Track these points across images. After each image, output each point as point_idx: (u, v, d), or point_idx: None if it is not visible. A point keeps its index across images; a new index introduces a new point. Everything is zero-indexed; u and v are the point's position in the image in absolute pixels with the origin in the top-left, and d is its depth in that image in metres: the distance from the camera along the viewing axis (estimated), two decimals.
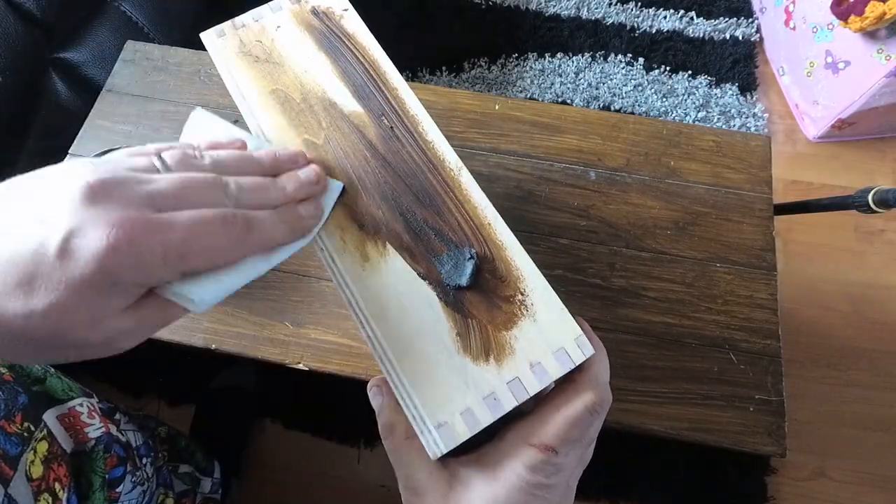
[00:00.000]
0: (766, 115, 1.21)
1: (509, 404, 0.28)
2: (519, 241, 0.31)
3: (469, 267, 0.30)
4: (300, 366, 0.53)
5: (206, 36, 0.38)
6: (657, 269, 0.58)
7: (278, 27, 0.37)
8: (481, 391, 0.28)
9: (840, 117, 1.09)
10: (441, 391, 0.28)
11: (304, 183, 0.29)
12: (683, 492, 0.90)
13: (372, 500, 0.90)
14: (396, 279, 0.30)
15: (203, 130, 0.32)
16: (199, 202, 0.25)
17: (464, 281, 0.30)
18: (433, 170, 0.33)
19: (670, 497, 0.90)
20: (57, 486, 0.42)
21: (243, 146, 0.30)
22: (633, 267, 0.58)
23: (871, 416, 0.96)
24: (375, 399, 0.31)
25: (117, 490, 0.49)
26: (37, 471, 0.40)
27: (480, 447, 0.29)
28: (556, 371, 0.28)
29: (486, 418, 0.27)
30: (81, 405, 0.48)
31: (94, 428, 0.48)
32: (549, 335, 0.29)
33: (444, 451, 0.27)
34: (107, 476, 0.48)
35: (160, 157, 0.26)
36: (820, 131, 1.16)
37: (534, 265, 0.30)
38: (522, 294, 0.30)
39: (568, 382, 0.29)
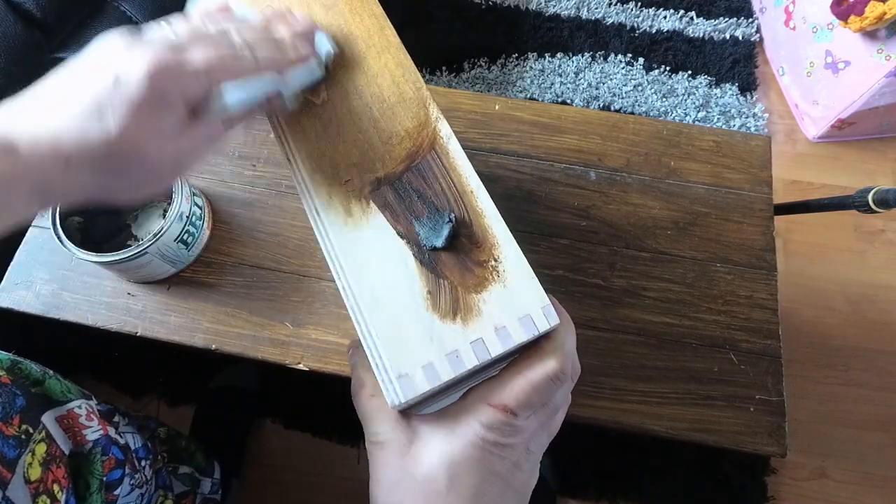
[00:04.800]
0: (766, 115, 1.21)
1: (470, 363, 0.28)
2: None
3: (446, 230, 0.31)
4: (300, 366, 0.53)
5: None
6: (657, 270, 0.58)
7: None
8: (444, 348, 0.29)
9: (840, 117, 1.09)
10: (406, 344, 0.29)
11: (297, 31, 0.34)
12: (683, 492, 0.90)
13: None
14: (376, 236, 0.32)
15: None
16: (209, 42, 0.30)
17: (440, 242, 0.31)
18: None
19: (670, 497, 0.90)
20: (56, 487, 0.42)
21: (227, 9, 0.36)
22: (633, 267, 0.58)
23: (871, 416, 0.96)
24: (351, 359, 0.34)
25: (115, 492, 0.49)
26: (35, 473, 0.40)
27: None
28: (520, 336, 0.29)
29: (447, 374, 0.28)
30: (80, 407, 0.48)
31: (93, 430, 0.48)
32: (517, 301, 0.30)
33: (403, 401, 0.28)
34: (104, 478, 0.48)
35: (167, 24, 0.32)
36: (820, 131, 1.16)
37: (510, 235, 0.31)
38: (496, 260, 0.31)
39: (533, 349, 0.30)
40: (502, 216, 0.32)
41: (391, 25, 0.38)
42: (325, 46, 0.36)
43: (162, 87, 0.28)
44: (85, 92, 0.28)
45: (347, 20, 0.38)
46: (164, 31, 0.31)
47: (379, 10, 0.38)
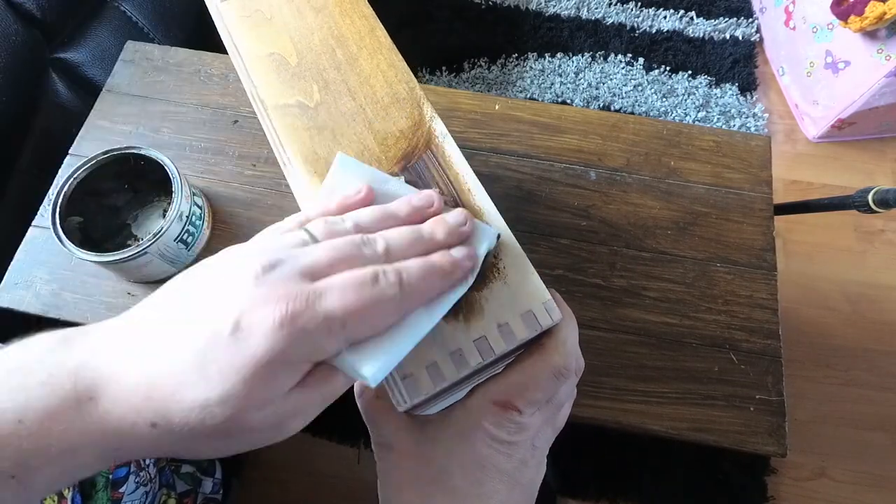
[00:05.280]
0: (766, 115, 1.21)
1: (475, 361, 0.28)
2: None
3: None
4: None
5: None
6: (657, 269, 0.58)
7: None
8: (448, 347, 0.28)
9: (840, 117, 1.09)
10: None
11: (452, 227, 0.28)
12: (683, 492, 0.90)
13: (372, 500, 0.90)
14: None
15: (346, 174, 0.31)
16: (351, 264, 0.25)
17: None
18: None
19: (670, 497, 0.90)
20: None
21: (370, 193, 0.30)
22: (633, 267, 0.58)
23: (871, 416, 0.96)
24: None
25: (120, 490, 0.49)
26: None
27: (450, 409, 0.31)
28: (523, 333, 0.29)
29: (451, 373, 0.28)
30: None
31: None
32: (519, 298, 0.30)
33: (409, 403, 0.27)
34: (110, 476, 0.48)
35: (307, 231, 0.26)
36: (820, 131, 1.16)
37: (509, 231, 0.31)
38: (496, 258, 0.31)
39: (535, 346, 0.30)
40: (502, 216, 0.32)
41: (381, 26, 0.38)
42: (485, 243, 0.29)
43: (287, 346, 0.22)
44: (193, 336, 0.22)
45: (338, 22, 0.38)
46: (298, 252, 0.24)
47: (369, 10, 0.38)
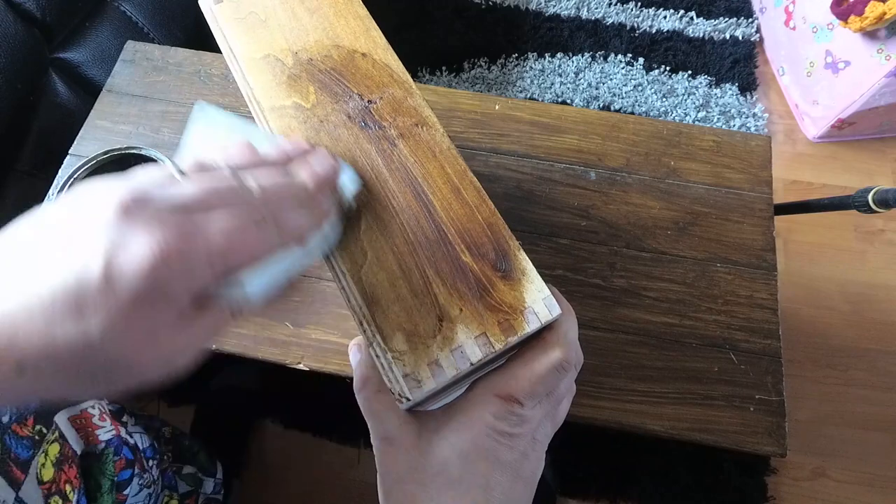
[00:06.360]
0: (766, 115, 1.21)
1: (476, 357, 0.29)
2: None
3: None
4: (300, 366, 0.53)
5: (204, 1, 0.39)
6: (657, 270, 0.58)
7: None
8: (449, 344, 0.29)
9: (840, 117, 1.09)
10: (410, 343, 0.29)
11: (316, 171, 0.29)
12: (683, 492, 0.90)
13: (372, 500, 0.90)
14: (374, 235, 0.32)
15: (208, 125, 0.33)
16: (228, 203, 0.24)
17: None
18: None
19: (670, 497, 0.90)
20: (68, 487, 0.42)
21: (250, 147, 0.30)
22: (633, 267, 0.58)
23: (871, 416, 0.96)
24: (354, 357, 0.33)
25: (125, 492, 0.49)
26: (47, 473, 0.40)
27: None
28: (523, 329, 0.29)
29: (452, 370, 0.28)
30: (93, 407, 0.49)
31: (105, 430, 0.48)
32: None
33: (412, 400, 0.28)
34: (115, 478, 0.48)
35: (175, 166, 0.26)
36: (820, 131, 1.16)
37: (507, 229, 0.32)
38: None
39: (537, 340, 0.30)
40: (502, 216, 0.32)
41: (377, 26, 0.38)
42: (349, 187, 0.31)
43: (166, 279, 0.21)
44: (59, 276, 0.20)
45: (333, 23, 0.38)
46: (171, 189, 0.23)
47: (363, 11, 0.38)
